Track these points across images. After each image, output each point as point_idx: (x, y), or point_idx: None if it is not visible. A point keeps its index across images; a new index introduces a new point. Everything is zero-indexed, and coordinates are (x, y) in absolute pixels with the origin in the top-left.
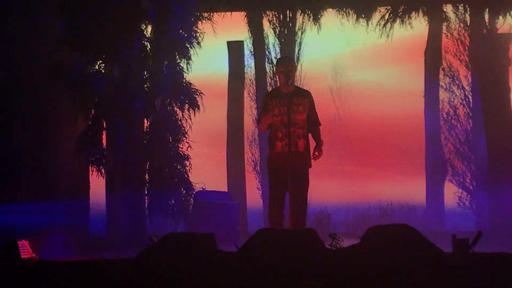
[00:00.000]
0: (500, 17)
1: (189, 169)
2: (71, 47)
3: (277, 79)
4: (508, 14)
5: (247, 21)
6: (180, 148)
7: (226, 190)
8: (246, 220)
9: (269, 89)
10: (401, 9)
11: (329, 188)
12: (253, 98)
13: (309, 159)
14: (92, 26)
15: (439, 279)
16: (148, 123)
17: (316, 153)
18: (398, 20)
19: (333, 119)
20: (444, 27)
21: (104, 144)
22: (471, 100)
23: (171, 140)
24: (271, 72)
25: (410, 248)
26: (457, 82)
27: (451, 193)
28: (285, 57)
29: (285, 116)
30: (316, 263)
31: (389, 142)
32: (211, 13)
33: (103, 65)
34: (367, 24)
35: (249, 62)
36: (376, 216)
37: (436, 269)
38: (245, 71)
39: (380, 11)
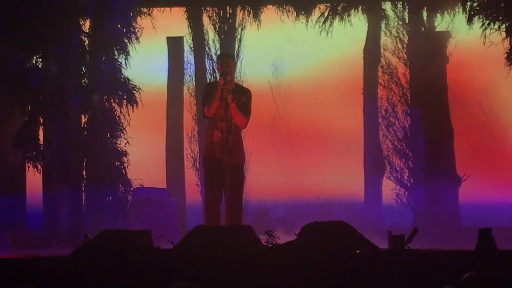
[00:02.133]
0: (438, 15)
1: (127, 166)
2: (8, 41)
3: (217, 76)
4: (446, 12)
5: (186, 17)
6: (118, 145)
7: (165, 187)
8: (185, 217)
9: None
10: (340, 7)
11: (268, 184)
12: (192, 94)
13: (243, 155)
14: (29, 21)
15: (374, 276)
16: (86, 119)
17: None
18: (337, 17)
19: (273, 115)
20: (383, 25)
21: (41, 140)
22: (409, 98)
23: (109, 136)
24: (211, 68)
25: (345, 245)
26: (395, 79)
27: (389, 190)
28: (223, 55)
29: (222, 110)
30: (252, 260)
31: (328, 139)
32: (151, 9)
33: (40, 60)
34: (307, 21)
35: (189, 58)
36: (314, 213)
37: (371, 266)
38: (185, 67)
39: (320, 8)
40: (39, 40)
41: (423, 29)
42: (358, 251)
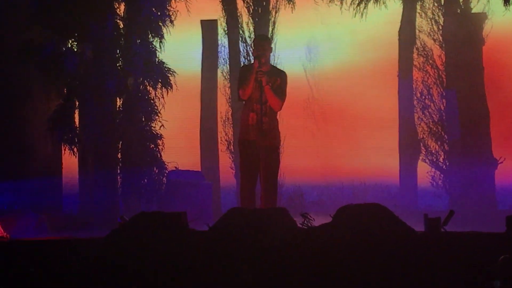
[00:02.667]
0: None
1: (161, 149)
2: (43, 25)
3: (251, 59)
4: None
5: (220, 0)
6: (152, 127)
7: (199, 170)
8: (219, 200)
9: None
10: None
11: (303, 167)
12: (226, 77)
13: (279, 137)
14: (64, 4)
15: (410, 258)
16: (121, 102)
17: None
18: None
19: (307, 98)
20: (418, 6)
21: (77, 123)
22: (444, 80)
23: (143, 119)
24: (245, 51)
25: (381, 227)
26: (430, 61)
27: (425, 173)
28: (258, 37)
29: (257, 93)
30: (287, 242)
31: (362, 122)
32: None
33: (75, 44)
34: (341, 3)
35: (223, 41)
36: (349, 196)
37: (407, 248)
38: (219, 50)
39: None
40: (74, 24)
41: (459, 10)
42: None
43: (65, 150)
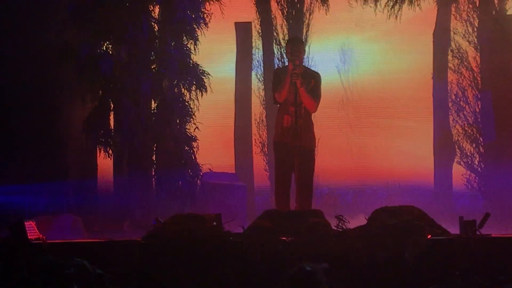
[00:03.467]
0: None
1: (196, 151)
2: (79, 27)
3: (285, 61)
4: None
5: (254, 2)
6: (187, 130)
7: (234, 172)
8: (254, 202)
9: None
10: None
11: (337, 169)
12: (260, 79)
13: (314, 139)
14: (99, 7)
15: (445, 261)
16: (156, 104)
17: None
18: (406, 1)
19: (341, 100)
20: (453, 8)
21: (112, 125)
22: (479, 82)
23: (178, 122)
24: (279, 53)
25: (417, 229)
26: (465, 63)
27: (460, 175)
28: (292, 39)
29: (292, 95)
30: (322, 244)
31: (397, 124)
32: None
33: (110, 46)
34: (376, 5)
35: (257, 44)
36: (383, 198)
37: (443, 251)
38: (253, 52)
39: None
40: (109, 26)
41: (494, 12)
42: (430, 236)
43: (100, 152)
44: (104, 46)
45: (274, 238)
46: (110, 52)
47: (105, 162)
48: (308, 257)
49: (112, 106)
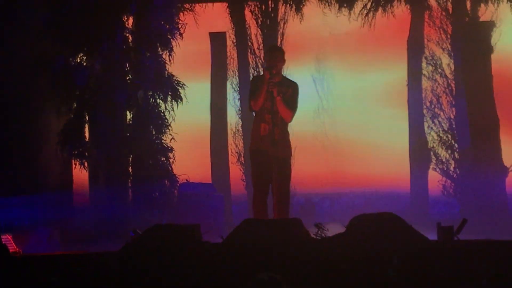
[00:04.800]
0: (482, 5)
1: (172, 161)
2: (53, 39)
3: (261, 70)
4: (489, 1)
5: (229, 12)
6: (163, 140)
7: (210, 182)
8: (231, 211)
9: None
10: None
11: (314, 177)
12: (236, 89)
13: (290, 148)
14: (73, 18)
15: (424, 267)
16: (131, 115)
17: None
18: (380, 9)
19: (317, 109)
20: (426, 16)
21: (87, 137)
22: (454, 89)
23: (154, 133)
24: (254, 63)
25: (395, 236)
26: (439, 70)
27: (435, 182)
28: (270, 48)
29: (269, 103)
30: (302, 252)
31: (372, 131)
32: (193, 4)
33: (85, 57)
34: (350, 13)
35: (232, 53)
36: (361, 205)
37: (421, 257)
38: (228, 62)
39: (362, 0)
40: (83, 38)
41: (467, 19)
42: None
43: (75, 164)
44: (79, 58)
45: (254, 248)
46: (85, 64)
47: (81, 174)
48: (288, 266)
49: (87, 117)
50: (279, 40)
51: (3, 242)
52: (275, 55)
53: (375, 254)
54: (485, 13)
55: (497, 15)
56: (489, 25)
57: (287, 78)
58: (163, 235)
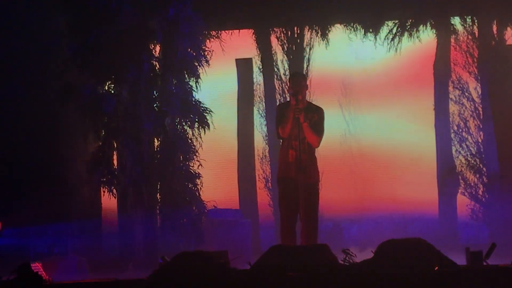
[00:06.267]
0: (508, 28)
1: (200, 188)
2: (81, 68)
3: (287, 96)
4: None
5: (255, 38)
6: (191, 167)
7: (238, 208)
8: (258, 238)
9: None
10: (409, 23)
11: (341, 203)
12: (262, 115)
13: (318, 174)
14: (100, 47)
15: None
16: (159, 142)
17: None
18: (406, 34)
19: (343, 133)
20: (452, 40)
21: (115, 164)
22: (481, 112)
23: (181, 159)
24: (280, 89)
25: (424, 262)
26: (466, 94)
27: (464, 206)
28: (294, 74)
29: (295, 130)
30: (330, 278)
31: (400, 156)
32: (219, 31)
33: (112, 85)
34: (375, 38)
35: (258, 79)
36: (389, 231)
37: (451, 283)
38: (254, 88)
39: (388, 25)
40: (110, 66)
41: (493, 43)
42: (437, 267)
43: (104, 191)
44: (106, 86)
45: (282, 274)
46: (112, 91)
47: (109, 202)
48: None
49: (115, 145)
50: (305, 66)
51: (34, 270)
52: (298, 80)
53: (403, 280)
54: (511, 37)
55: None
56: None
57: (312, 104)
58: (191, 262)
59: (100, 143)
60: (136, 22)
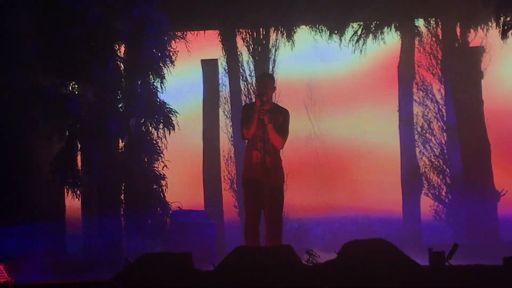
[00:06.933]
0: (472, 30)
1: (165, 189)
2: (45, 69)
3: (253, 97)
4: (479, 27)
5: (220, 39)
6: (155, 168)
7: (203, 209)
8: (224, 239)
9: None
10: (374, 24)
11: (306, 204)
12: (228, 116)
13: (282, 176)
14: (65, 48)
15: None
16: (123, 143)
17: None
18: (370, 35)
19: (309, 135)
20: (416, 41)
21: (79, 166)
22: (444, 114)
23: (146, 160)
24: (246, 90)
25: (386, 262)
26: (430, 96)
27: (428, 207)
28: (260, 75)
29: (260, 131)
30: (293, 279)
31: (364, 157)
32: (185, 32)
33: (77, 86)
34: (340, 40)
35: (224, 80)
36: (353, 231)
37: (412, 283)
38: (220, 89)
39: (353, 27)
40: (75, 67)
41: (456, 45)
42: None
43: (67, 193)
44: (70, 87)
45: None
46: (77, 92)
47: (73, 203)
48: None
49: (80, 146)
50: (270, 67)
51: None
52: (265, 82)
53: (366, 281)
54: (474, 39)
55: (486, 40)
56: (479, 51)
57: (278, 105)
58: (155, 264)
59: (64, 144)
60: (101, 22)
